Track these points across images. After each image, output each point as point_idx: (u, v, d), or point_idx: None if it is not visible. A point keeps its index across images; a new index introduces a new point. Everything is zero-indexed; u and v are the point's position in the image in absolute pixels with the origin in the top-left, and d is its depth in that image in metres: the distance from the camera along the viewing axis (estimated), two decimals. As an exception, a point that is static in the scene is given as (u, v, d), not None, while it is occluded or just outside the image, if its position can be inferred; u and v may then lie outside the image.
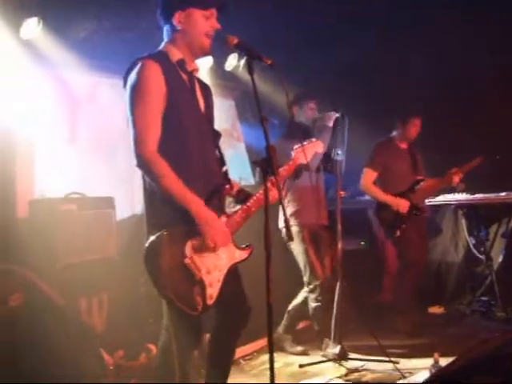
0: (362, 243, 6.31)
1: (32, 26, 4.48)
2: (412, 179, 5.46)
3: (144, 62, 2.83)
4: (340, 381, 4.11)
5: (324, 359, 4.62)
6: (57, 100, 4.99)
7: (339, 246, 4.67)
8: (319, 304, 4.80)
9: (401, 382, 3.91)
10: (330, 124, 4.75)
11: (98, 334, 4.27)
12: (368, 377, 4.25)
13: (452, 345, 4.58)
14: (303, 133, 4.79)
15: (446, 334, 5.19)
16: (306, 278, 4.86)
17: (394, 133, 5.65)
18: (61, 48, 4.66)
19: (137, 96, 2.81)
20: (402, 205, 5.34)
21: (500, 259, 5.99)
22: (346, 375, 4.27)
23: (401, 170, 5.53)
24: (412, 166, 5.59)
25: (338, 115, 4.74)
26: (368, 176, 5.50)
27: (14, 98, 4.49)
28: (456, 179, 5.45)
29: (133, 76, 2.83)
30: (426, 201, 5.91)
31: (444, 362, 3.76)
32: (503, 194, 5.72)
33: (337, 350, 4.56)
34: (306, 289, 4.90)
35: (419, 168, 5.62)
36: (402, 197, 5.39)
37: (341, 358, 4.52)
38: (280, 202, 2.81)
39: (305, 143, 3.52)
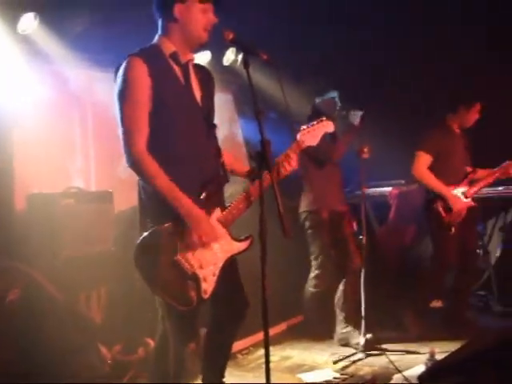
0: (361, 237, 6.27)
1: (28, 21, 4.50)
2: (464, 169, 5.02)
3: (129, 60, 2.81)
4: (337, 374, 4.12)
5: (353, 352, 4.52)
6: (54, 94, 4.99)
7: (363, 238, 4.66)
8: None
9: (397, 375, 3.92)
10: (357, 122, 4.66)
11: (97, 327, 4.28)
12: (365, 370, 4.25)
13: (449, 339, 4.59)
14: None
15: (444, 329, 5.18)
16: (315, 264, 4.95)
17: (449, 117, 5.07)
18: (57, 43, 4.69)
19: (122, 96, 2.81)
20: (460, 203, 4.87)
21: (497, 253, 5.96)
22: (343, 369, 4.27)
23: (455, 156, 5.00)
24: (465, 154, 5.11)
25: (362, 113, 4.63)
26: (422, 160, 4.93)
27: (11, 92, 4.49)
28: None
29: (119, 75, 2.82)
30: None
31: (440, 356, 3.80)
32: (500, 188, 5.70)
33: (362, 341, 4.50)
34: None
35: (469, 157, 5.15)
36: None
37: (367, 349, 4.47)
38: (274, 191, 2.68)
39: (314, 123, 3.24)
